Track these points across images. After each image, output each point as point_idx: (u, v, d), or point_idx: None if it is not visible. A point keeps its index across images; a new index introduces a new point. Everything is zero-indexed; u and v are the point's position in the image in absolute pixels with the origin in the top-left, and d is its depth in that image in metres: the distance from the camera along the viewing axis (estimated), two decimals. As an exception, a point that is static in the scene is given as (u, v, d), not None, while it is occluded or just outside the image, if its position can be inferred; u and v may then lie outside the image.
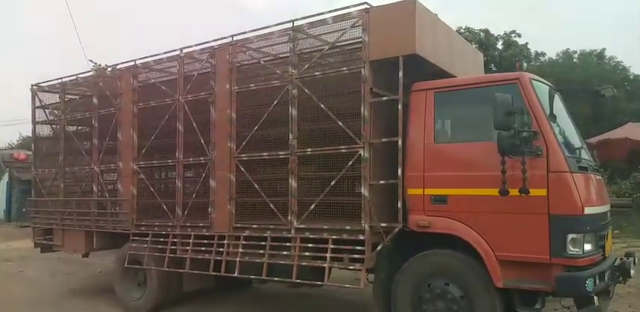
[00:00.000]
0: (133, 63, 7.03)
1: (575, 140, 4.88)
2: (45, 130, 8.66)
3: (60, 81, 8.09)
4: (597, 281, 4.14)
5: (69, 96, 8.29)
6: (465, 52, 6.26)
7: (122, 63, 7.21)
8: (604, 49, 27.37)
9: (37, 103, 8.50)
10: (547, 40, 44.67)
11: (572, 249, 4.10)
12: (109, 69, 7.37)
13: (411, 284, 4.75)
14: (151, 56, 6.84)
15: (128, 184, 6.98)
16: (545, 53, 28.19)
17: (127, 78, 7.08)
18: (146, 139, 6.81)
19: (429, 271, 4.71)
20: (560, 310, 4.89)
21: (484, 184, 4.44)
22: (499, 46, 26.62)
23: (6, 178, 22.99)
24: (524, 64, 5.61)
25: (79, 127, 8.37)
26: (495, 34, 26.52)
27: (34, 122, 8.59)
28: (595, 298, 4.19)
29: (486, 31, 26.23)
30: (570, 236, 4.10)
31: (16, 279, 9.38)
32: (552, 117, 4.41)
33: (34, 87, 8.50)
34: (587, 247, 4.19)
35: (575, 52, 27.70)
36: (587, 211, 4.19)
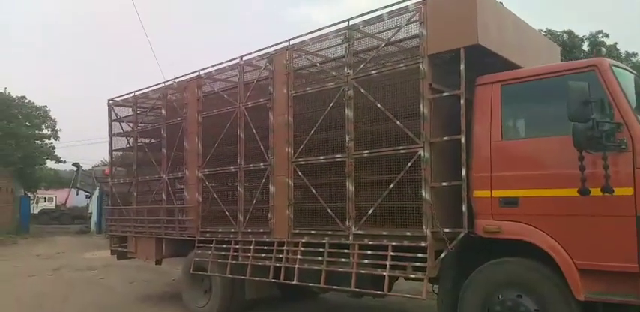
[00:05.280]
0: (197, 73, 7.20)
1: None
2: (121, 143, 9.09)
3: (132, 95, 8.48)
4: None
5: (141, 109, 8.65)
6: (538, 42, 5.76)
7: (187, 74, 7.42)
8: None
9: (114, 117, 8.95)
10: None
11: (666, 257, 3.54)
12: (175, 81, 7.61)
13: (480, 296, 4.33)
14: (213, 66, 6.96)
15: (194, 191, 7.10)
16: (637, 53, 26.09)
17: (192, 88, 7.26)
18: (210, 147, 6.90)
19: (500, 281, 4.27)
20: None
21: (560, 184, 3.98)
22: (584, 47, 24.97)
23: (97, 192, 24.73)
24: (603, 50, 4.92)
25: (151, 139, 8.69)
26: (580, 36, 24.93)
27: (111, 135, 9.04)
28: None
29: (570, 33, 24.69)
30: (664, 242, 3.54)
31: (95, 286, 9.81)
32: (638, 107, 3.89)
33: (110, 101, 8.97)
34: (686, 254, 3.60)
35: (674, 50, 25.39)
36: (684, 212, 3.61)
